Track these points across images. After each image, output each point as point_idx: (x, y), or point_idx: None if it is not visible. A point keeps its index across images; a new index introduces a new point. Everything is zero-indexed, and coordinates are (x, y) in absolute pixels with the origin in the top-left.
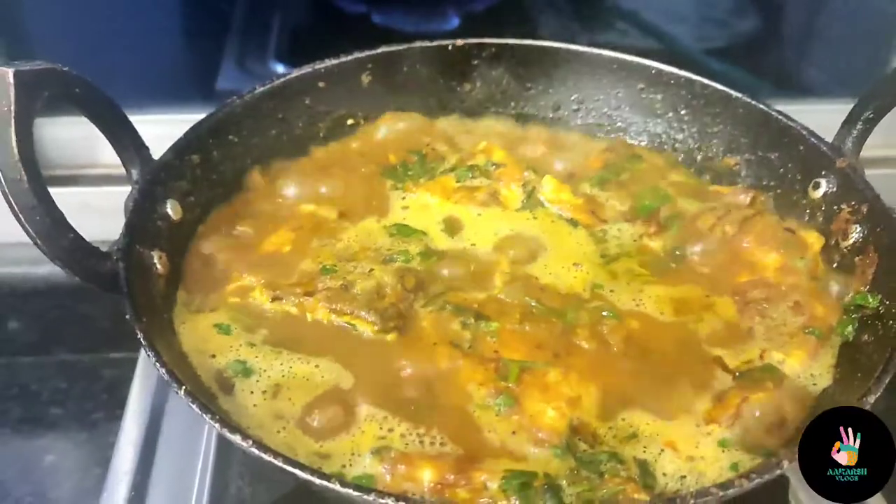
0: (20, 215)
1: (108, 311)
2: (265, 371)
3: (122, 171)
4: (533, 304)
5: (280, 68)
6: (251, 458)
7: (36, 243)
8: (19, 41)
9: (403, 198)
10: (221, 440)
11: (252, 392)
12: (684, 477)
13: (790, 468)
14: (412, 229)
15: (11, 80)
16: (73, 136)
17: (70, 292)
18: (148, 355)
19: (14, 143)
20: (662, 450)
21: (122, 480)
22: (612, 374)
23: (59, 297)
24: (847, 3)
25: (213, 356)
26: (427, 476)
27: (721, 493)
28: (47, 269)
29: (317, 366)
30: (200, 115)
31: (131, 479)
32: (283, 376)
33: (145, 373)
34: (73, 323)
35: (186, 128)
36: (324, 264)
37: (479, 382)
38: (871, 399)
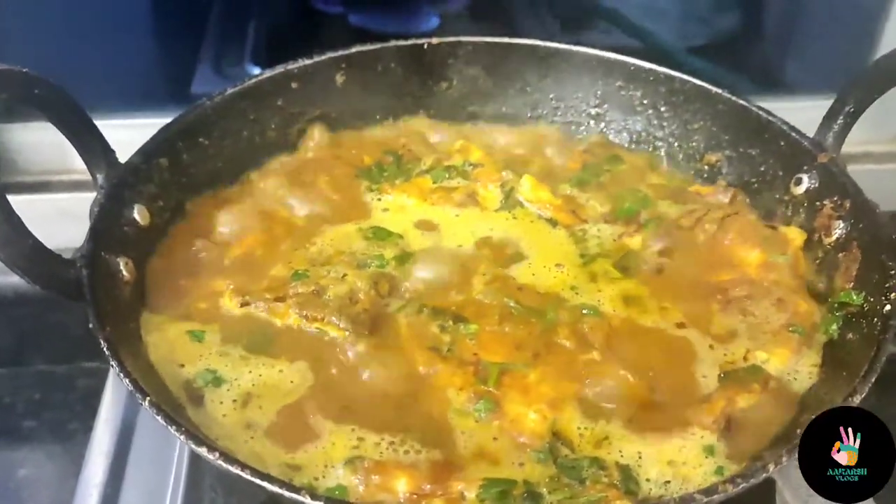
0: None
1: (82, 319)
2: (236, 380)
3: None
4: (512, 304)
5: (256, 71)
6: (224, 471)
7: None
8: None
9: (379, 199)
10: (194, 452)
11: (222, 402)
12: (668, 482)
13: (776, 471)
14: (388, 232)
15: None
16: (44, 142)
17: (42, 301)
18: (111, 366)
19: None
20: (640, 453)
21: (91, 494)
22: (593, 373)
23: (31, 305)
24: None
25: (182, 366)
26: (402, 486)
27: (706, 500)
28: (17, 278)
29: (286, 373)
30: None
31: (102, 491)
32: (253, 385)
33: (117, 383)
34: (47, 332)
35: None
36: (295, 269)
37: (458, 387)
38: (858, 399)
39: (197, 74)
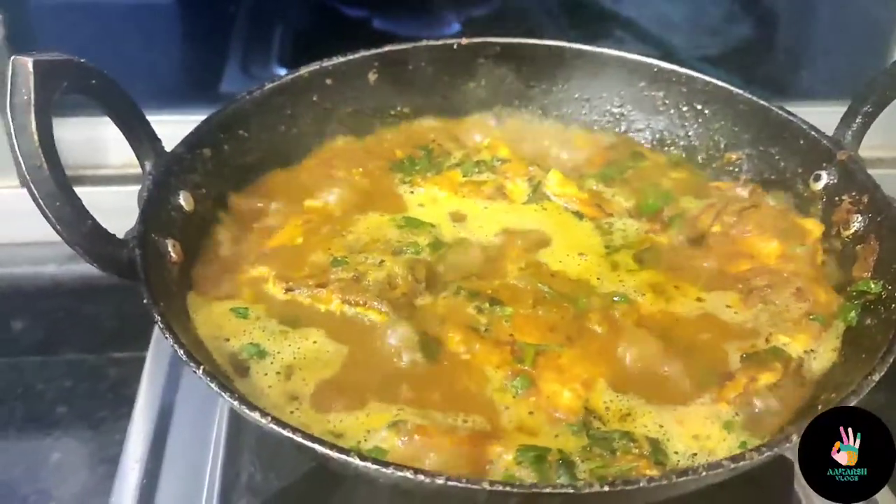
0: (41, 202)
1: (113, 310)
2: (278, 353)
3: (127, 171)
4: (545, 289)
5: (283, 72)
6: (262, 446)
7: (56, 229)
8: (22, 45)
9: (412, 192)
10: (232, 428)
11: (266, 374)
12: (695, 454)
13: (798, 442)
14: (420, 221)
15: (31, 68)
16: (77, 139)
17: (75, 292)
18: (166, 337)
19: (34, 130)
20: (664, 428)
21: (133, 468)
22: (623, 356)
23: (63, 296)
24: (840, 10)
25: (228, 340)
26: (445, 448)
27: (733, 466)
28: (52, 269)
29: (321, 343)
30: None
31: (143, 466)
32: (294, 357)
33: (154, 364)
34: (78, 323)
35: (191, 129)
36: (334, 256)
37: (495, 365)
38: (876, 377)
39: (226, 75)
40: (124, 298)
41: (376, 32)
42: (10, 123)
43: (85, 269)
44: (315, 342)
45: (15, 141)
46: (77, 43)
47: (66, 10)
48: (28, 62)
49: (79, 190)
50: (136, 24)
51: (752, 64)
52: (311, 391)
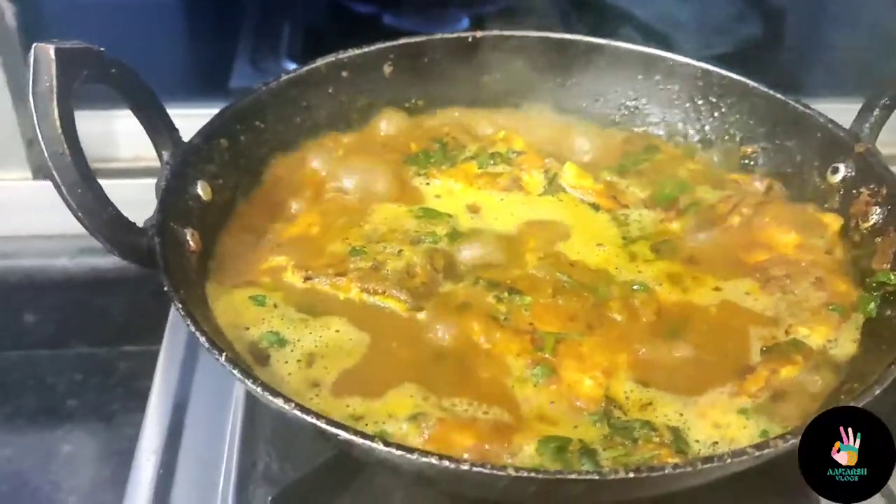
0: (63, 189)
1: (124, 304)
2: (298, 341)
3: (137, 164)
4: (564, 279)
5: (292, 67)
6: (278, 436)
7: (77, 217)
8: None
9: (427, 183)
10: (247, 419)
11: (287, 362)
12: (716, 443)
13: None
14: (437, 212)
15: (53, 55)
16: (85, 132)
17: (86, 285)
18: (187, 325)
19: (56, 117)
20: (682, 415)
21: (150, 459)
22: (644, 344)
23: (75, 290)
24: (849, 9)
25: (247, 329)
26: (466, 441)
27: (757, 453)
28: (64, 262)
29: (343, 332)
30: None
31: (159, 458)
32: (315, 346)
33: (168, 355)
34: (89, 316)
35: (202, 123)
36: (353, 245)
37: (515, 354)
38: None
39: (235, 70)
40: (135, 292)
41: (386, 28)
42: (33, 110)
43: (96, 262)
44: (337, 330)
45: (38, 127)
46: (86, 38)
47: (75, 4)
48: (50, 49)
49: None
50: (146, 18)
51: (761, 63)
52: (333, 379)
